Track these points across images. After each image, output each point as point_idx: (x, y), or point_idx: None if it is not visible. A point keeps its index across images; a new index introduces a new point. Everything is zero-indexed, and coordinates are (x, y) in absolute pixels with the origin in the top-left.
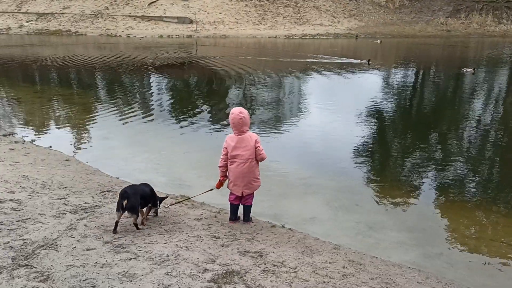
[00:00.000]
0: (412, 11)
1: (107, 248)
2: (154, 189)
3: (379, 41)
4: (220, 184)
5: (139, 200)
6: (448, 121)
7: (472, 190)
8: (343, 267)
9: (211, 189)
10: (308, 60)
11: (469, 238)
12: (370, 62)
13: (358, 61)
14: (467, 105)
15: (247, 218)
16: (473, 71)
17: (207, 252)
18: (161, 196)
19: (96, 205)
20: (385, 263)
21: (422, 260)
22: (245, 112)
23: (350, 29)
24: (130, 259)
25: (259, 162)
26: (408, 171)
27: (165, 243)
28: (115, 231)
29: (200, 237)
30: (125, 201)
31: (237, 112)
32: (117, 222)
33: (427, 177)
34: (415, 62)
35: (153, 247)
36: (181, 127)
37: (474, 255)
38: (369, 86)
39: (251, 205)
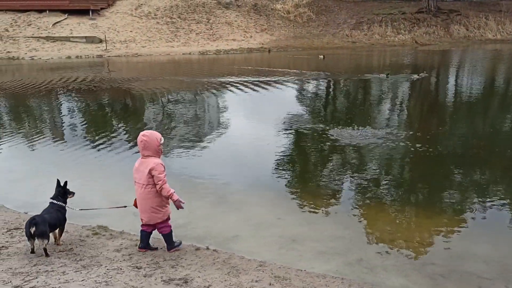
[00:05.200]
0: (319, 25)
1: None
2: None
3: (321, 56)
4: (136, 203)
5: (48, 227)
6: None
7: (386, 193)
8: (270, 284)
9: (125, 206)
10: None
11: (385, 241)
12: (388, 76)
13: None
14: (376, 109)
15: (169, 247)
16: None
17: (129, 285)
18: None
19: (3, 246)
20: (309, 275)
21: (343, 268)
22: (150, 137)
23: (262, 43)
24: None
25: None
26: (326, 180)
27: (82, 280)
28: (32, 252)
29: (121, 269)
30: (33, 228)
31: (141, 134)
32: (32, 249)
33: (344, 184)
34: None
35: (69, 286)
36: (97, 152)
37: (390, 257)
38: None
39: (167, 233)
